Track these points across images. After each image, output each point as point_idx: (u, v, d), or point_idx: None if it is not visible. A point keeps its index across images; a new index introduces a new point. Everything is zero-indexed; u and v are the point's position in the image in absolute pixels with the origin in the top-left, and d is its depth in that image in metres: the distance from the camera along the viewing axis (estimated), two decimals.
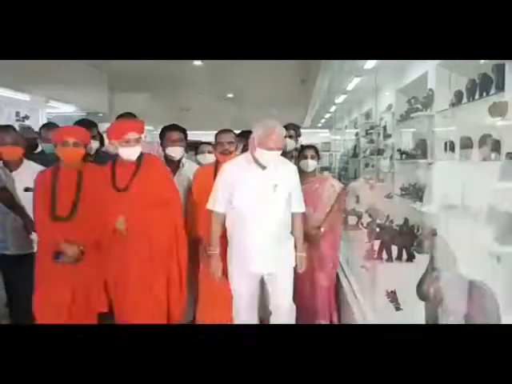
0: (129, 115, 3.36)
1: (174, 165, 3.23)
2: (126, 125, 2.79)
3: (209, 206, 2.70)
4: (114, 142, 2.70)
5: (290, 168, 2.76)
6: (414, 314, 2.22)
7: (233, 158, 2.98)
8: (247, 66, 6.80)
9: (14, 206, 2.94)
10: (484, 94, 3.16)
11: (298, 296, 2.85)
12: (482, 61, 2.94)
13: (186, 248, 2.84)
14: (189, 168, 3.28)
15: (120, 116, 3.39)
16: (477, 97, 3.26)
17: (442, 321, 1.82)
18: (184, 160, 3.31)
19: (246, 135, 3.95)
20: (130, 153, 2.70)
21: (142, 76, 8.68)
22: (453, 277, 1.78)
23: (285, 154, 3.44)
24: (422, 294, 1.86)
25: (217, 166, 3.08)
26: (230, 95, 11.79)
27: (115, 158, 2.80)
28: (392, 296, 2.71)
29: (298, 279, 2.86)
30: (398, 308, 2.57)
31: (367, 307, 2.77)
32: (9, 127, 3.46)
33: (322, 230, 3.16)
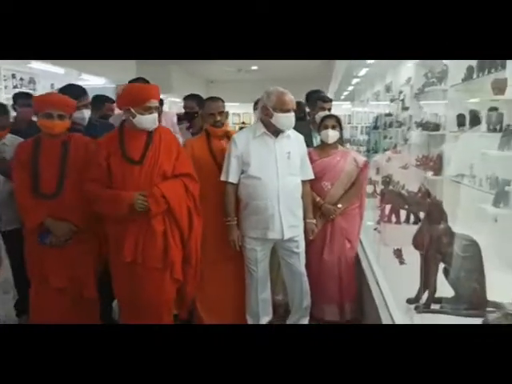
0: (142, 81, 3.19)
1: None
2: (148, 90, 2.51)
3: (223, 177, 2.74)
4: (132, 108, 2.41)
5: (299, 137, 2.87)
6: (415, 266, 2.55)
7: (223, 130, 2.93)
8: None
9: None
10: (493, 70, 3.36)
11: (311, 275, 2.97)
12: None
13: (201, 224, 2.66)
14: None
15: (133, 81, 3.22)
16: (486, 73, 3.46)
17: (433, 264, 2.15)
18: None
19: None
20: (151, 121, 2.46)
21: None
22: (443, 229, 2.09)
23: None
24: (416, 244, 2.18)
25: (208, 138, 2.93)
26: (254, 67, 11.95)
27: (122, 126, 2.53)
28: (397, 253, 3.02)
29: (311, 257, 3.01)
30: (401, 262, 2.89)
31: (376, 265, 3.10)
32: None
33: (340, 206, 3.08)
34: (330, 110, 3.53)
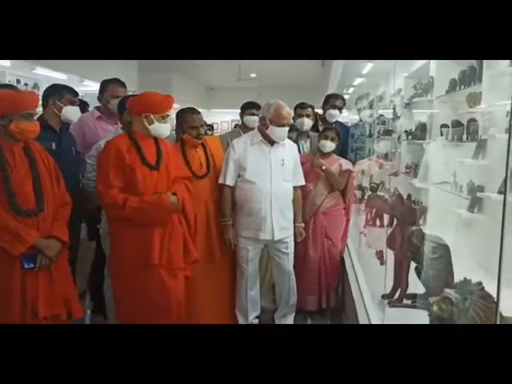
0: (117, 81, 3.40)
1: None
2: (170, 99, 2.50)
3: (221, 180, 2.93)
4: (152, 115, 2.45)
5: (292, 146, 3.14)
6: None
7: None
8: None
9: None
10: (472, 83, 3.57)
11: (296, 270, 3.18)
12: None
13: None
14: None
15: (108, 81, 3.37)
16: (466, 86, 3.67)
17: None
18: None
19: None
20: (166, 129, 2.53)
21: None
22: (414, 231, 2.29)
23: (303, 133, 3.68)
24: (389, 244, 2.37)
25: (183, 147, 2.94)
26: (253, 75, 12.20)
27: (133, 132, 2.52)
28: (379, 254, 3.21)
29: (297, 253, 3.20)
30: (382, 263, 3.08)
31: (358, 265, 3.29)
32: None
33: (324, 168, 3.26)
34: (308, 116, 3.63)
